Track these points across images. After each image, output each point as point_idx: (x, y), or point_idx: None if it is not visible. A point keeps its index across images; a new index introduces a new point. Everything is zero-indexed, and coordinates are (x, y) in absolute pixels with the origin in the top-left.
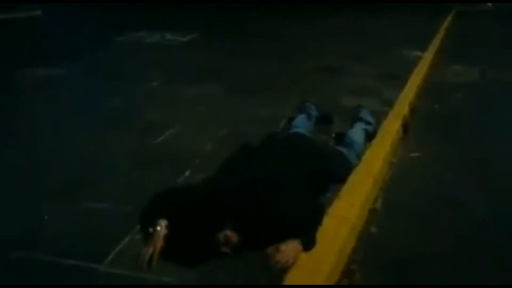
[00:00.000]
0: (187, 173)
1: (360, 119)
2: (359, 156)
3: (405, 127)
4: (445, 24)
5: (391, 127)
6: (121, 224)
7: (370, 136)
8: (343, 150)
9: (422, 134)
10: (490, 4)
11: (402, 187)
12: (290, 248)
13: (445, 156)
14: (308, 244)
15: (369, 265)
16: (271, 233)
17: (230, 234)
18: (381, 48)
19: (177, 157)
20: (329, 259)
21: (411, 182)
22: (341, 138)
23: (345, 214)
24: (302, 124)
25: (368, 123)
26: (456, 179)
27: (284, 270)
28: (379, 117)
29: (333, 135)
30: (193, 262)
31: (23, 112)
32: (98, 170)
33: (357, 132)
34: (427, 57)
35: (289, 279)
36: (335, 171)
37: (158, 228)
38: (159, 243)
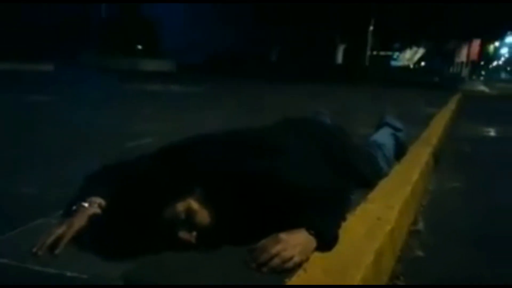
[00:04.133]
0: None
1: (387, 124)
2: (389, 164)
3: (436, 158)
4: (456, 96)
5: (422, 151)
6: (37, 208)
7: (400, 146)
8: (371, 151)
9: (456, 168)
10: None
11: (445, 211)
12: (296, 239)
13: (487, 189)
14: (326, 237)
15: None
16: (263, 208)
17: (196, 208)
18: (399, 105)
19: None
20: (362, 262)
21: (454, 206)
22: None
23: (382, 215)
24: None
25: (397, 129)
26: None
27: (285, 270)
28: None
29: None
30: (126, 251)
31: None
32: (50, 158)
33: (384, 136)
34: (444, 113)
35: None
36: (360, 169)
37: (86, 204)
38: (79, 222)
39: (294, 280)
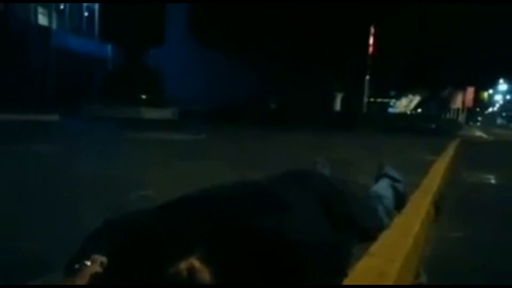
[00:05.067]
0: None
1: (386, 175)
2: (390, 215)
3: (437, 207)
4: (454, 142)
5: (422, 201)
6: (39, 265)
7: (400, 198)
8: (371, 203)
9: (458, 217)
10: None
11: (448, 262)
12: None
13: (490, 239)
14: None
15: None
16: (266, 267)
17: (198, 267)
18: (398, 153)
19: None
20: None
21: (457, 257)
22: None
23: (383, 270)
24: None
25: (396, 180)
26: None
27: None
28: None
29: None
30: None
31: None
32: (53, 211)
33: (383, 187)
34: (444, 159)
35: None
36: (360, 222)
37: (88, 263)
38: (81, 282)
39: None
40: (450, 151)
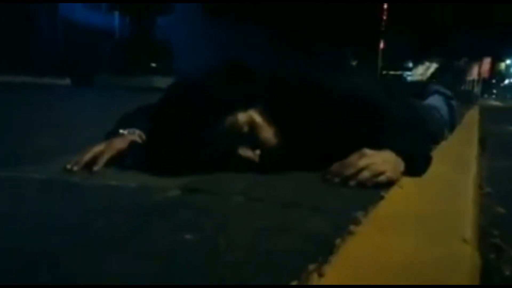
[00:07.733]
0: None
1: (437, 92)
2: (447, 127)
3: (482, 143)
4: (474, 107)
5: (469, 131)
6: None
7: (453, 115)
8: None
9: (501, 153)
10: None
11: (506, 181)
12: (385, 155)
13: None
14: (414, 159)
15: None
16: (340, 130)
17: (260, 122)
18: None
19: None
20: (468, 185)
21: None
22: None
23: (462, 158)
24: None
25: (448, 97)
26: None
27: (376, 185)
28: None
29: None
30: (178, 167)
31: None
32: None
33: (437, 100)
34: (472, 113)
35: (383, 206)
36: (426, 124)
37: (125, 132)
38: (119, 144)
39: (390, 194)
40: (476, 109)
